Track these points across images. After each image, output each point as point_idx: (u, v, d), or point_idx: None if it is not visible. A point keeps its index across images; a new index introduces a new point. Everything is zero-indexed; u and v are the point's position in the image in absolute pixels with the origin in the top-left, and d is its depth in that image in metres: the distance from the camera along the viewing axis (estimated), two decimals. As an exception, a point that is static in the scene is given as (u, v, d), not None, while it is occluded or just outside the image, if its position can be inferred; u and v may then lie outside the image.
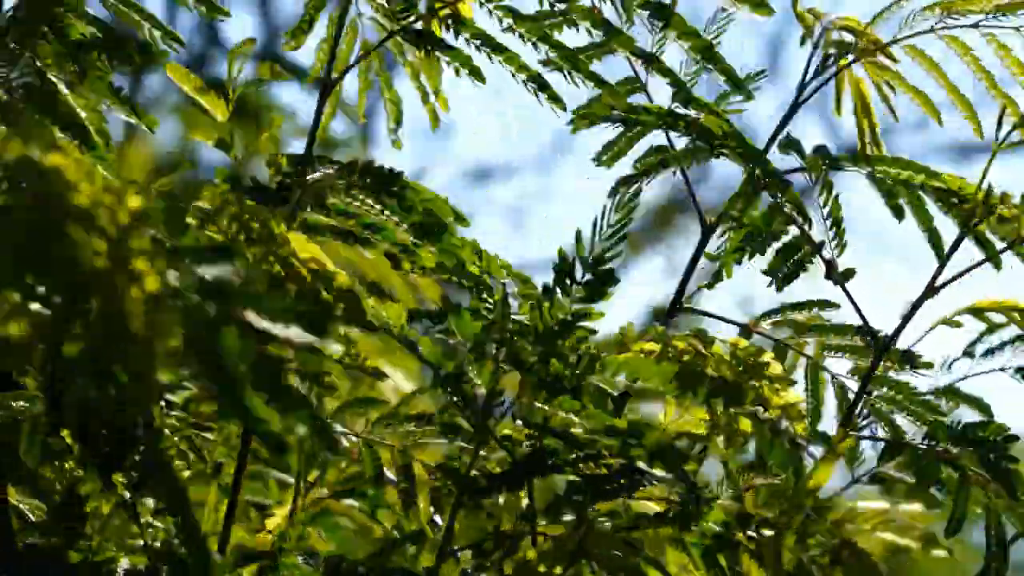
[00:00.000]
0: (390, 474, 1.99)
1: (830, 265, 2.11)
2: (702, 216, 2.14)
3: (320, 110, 1.98)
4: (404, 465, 1.99)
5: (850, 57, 2.13)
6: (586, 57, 2.03)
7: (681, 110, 2.08)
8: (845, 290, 2.12)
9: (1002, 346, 2.06)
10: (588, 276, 1.78)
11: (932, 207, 2.13)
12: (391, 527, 2.05)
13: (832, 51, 2.13)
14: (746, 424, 1.85)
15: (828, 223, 2.13)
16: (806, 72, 2.15)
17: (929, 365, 2.10)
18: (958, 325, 2.07)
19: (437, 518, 2.00)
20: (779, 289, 2.12)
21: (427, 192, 1.93)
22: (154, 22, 1.90)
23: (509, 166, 11.37)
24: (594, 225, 1.81)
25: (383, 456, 1.99)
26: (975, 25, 2.08)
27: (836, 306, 2.14)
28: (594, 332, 1.77)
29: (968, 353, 2.07)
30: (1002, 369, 2.06)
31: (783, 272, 2.14)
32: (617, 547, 1.80)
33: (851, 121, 2.19)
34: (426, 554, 1.89)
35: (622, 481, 1.81)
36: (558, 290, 1.79)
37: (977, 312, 2.09)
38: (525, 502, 1.86)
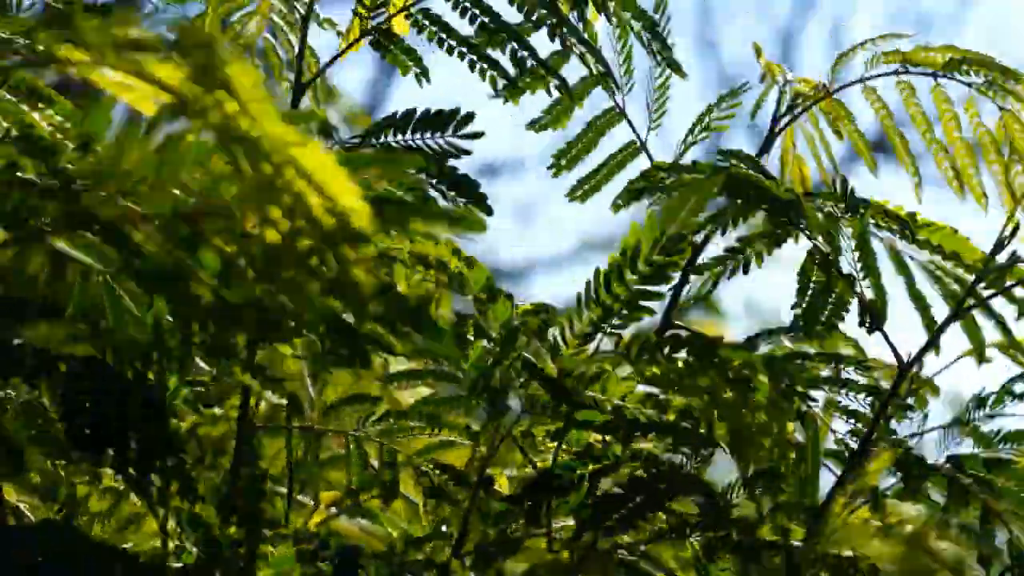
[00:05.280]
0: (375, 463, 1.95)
1: (865, 306, 1.95)
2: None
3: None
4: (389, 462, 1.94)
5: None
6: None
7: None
8: (882, 332, 1.95)
9: None
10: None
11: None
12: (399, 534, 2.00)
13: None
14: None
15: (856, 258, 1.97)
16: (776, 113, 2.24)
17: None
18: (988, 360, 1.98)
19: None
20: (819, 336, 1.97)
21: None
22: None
23: (517, 163, 11.32)
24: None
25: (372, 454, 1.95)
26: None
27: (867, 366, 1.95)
28: (651, 313, 1.70)
29: (1008, 391, 1.96)
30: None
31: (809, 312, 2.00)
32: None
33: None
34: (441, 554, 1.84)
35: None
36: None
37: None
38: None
